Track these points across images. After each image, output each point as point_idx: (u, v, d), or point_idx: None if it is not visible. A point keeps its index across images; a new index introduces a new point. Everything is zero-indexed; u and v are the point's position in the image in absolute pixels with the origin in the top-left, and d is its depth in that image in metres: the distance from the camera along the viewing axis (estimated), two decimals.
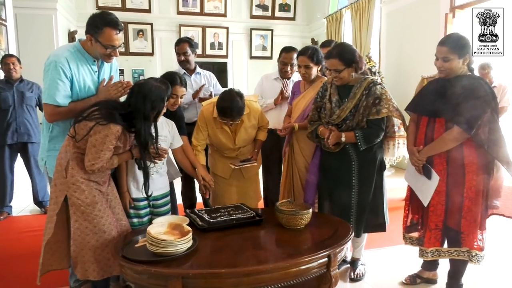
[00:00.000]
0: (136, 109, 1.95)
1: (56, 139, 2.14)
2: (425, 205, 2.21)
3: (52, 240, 1.98)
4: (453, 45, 2.05)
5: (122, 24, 2.10)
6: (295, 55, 3.01)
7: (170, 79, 2.31)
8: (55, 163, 1.99)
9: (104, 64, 2.21)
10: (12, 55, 4.01)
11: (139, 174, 2.23)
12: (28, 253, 2.92)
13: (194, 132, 2.65)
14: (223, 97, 2.45)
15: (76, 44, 2.13)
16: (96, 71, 2.17)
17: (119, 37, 2.06)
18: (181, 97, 2.44)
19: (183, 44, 3.24)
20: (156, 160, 2.15)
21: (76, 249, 1.92)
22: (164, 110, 2.13)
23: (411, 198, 2.36)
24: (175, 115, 2.50)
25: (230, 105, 2.38)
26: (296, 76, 3.20)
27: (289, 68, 3.08)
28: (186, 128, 2.64)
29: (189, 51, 3.23)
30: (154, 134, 2.05)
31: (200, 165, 2.54)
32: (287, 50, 3.08)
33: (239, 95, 2.44)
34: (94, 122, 1.87)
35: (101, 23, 2.01)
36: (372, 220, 2.43)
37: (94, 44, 2.04)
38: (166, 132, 2.34)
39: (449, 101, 2.07)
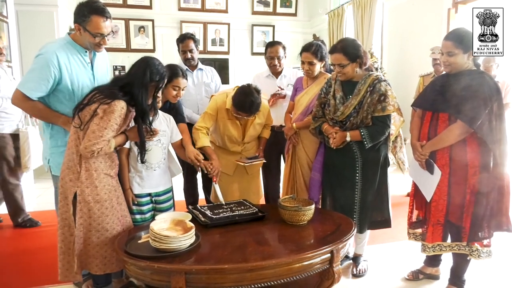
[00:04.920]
0: (135, 77, 1.94)
1: (56, 135, 2.13)
2: (428, 200, 2.21)
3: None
4: (458, 39, 2.04)
5: (110, 12, 2.06)
6: (280, 48, 3.08)
7: (173, 70, 2.31)
8: (63, 159, 1.96)
9: (96, 56, 2.19)
10: None
11: (142, 171, 2.24)
12: (38, 249, 2.96)
13: (200, 118, 2.61)
14: (243, 92, 2.42)
15: (65, 37, 2.10)
16: (88, 62, 2.14)
17: (107, 25, 2.02)
18: (182, 89, 2.44)
19: (187, 41, 3.18)
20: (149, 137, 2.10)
21: (76, 244, 1.92)
22: (160, 103, 2.15)
23: (416, 193, 2.36)
24: (174, 104, 2.52)
25: (251, 100, 2.37)
26: (287, 71, 3.22)
27: (276, 62, 3.10)
28: (184, 116, 2.64)
29: (194, 47, 3.20)
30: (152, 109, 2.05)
31: (190, 146, 2.42)
32: (271, 44, 3.17)
33: (257, 91, 2.43)
34: (97, 104, 1.86)
35: (87, 11, 1.97)
36: (377, 216, 2.43)
37: (83, 33, 2.01)
38: (165, 126, 2.34)
39: (452, 96, 2.06)
